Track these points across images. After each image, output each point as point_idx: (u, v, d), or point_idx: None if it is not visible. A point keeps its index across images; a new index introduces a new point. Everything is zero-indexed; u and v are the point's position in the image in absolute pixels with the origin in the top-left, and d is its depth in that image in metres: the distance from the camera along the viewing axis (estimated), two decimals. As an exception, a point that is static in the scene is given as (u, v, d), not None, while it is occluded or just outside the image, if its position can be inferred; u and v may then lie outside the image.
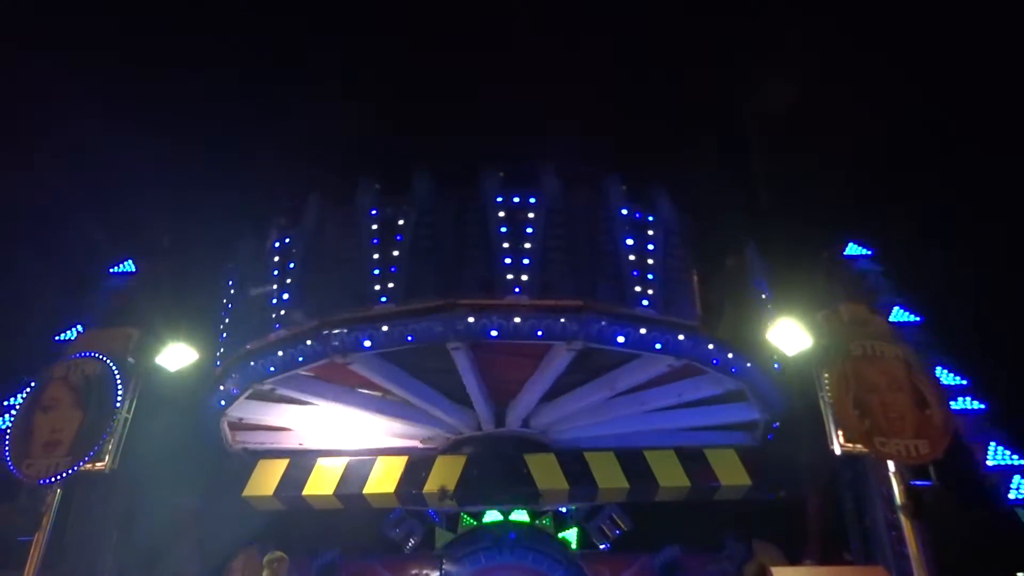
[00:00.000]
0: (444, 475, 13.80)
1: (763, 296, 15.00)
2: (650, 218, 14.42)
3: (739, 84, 23.69)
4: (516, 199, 14.09)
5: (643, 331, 13.27)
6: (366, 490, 13.72)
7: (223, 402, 14.72)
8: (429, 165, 14.74)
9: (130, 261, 16.09)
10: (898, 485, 11.01)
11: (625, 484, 13.89)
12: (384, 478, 13.97)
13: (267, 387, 14.39)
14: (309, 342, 13.51)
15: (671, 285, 14.08)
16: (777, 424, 14.93)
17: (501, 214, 13.92)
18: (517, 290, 13.25)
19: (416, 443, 15.55)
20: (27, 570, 10.53)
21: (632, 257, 13.95)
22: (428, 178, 14.43)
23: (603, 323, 13.14)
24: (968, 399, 13.69)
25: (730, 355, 14.04)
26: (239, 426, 15.44)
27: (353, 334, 13.25)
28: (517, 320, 12.94)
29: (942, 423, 11.42)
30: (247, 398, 14.67)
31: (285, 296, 14.26)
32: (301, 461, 14.64)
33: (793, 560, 14.33)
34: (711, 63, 24.88)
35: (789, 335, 12.52)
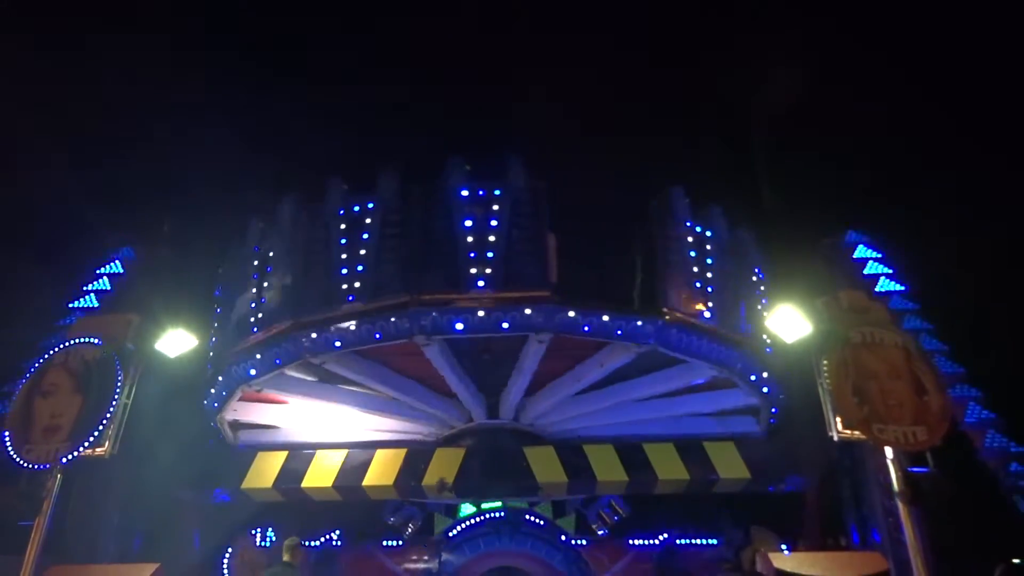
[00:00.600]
0: (443, 468, 13.83)
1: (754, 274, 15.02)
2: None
3: (742, 76, 23.61)
4: (481, 192, 13.98)
5: (606, 318, 13.14)
6: (365, 482, 13.76)
7: (216, 404, 14.90)
8: (400, 160, 14.74)
9: (129, 247, 16.07)
10: (896, 472, 11.00)
11: (624, 477, 13.91)
12: (383, 470, 14.00)
13: (254, 389, 14.52)
14: (283, 344, 13.62)
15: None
16: (776, 409, 14.93)
17: (466, 208, 13.81)
18: (481, 284, 13.18)
19: (416, 435, 15.58)
20: (28, 554, 10.55)
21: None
22: (393, 176, 14.37)
23: (570, 314, 13.02)
24: (966, 387, 13.77)
25: (702, 340, 13.86)
26: (237, 424, 15.48)
27: (323, 334, 13.30)
28: (480, 314, 12.91)
29: (940, 410, 11.42)
30: (239, 399, 14.82)
31: (263, 299, 14.42)
32: (300, 453, 14.69)
33: (790, 546, 14.45)
34: (714, 54, 24.79)
35: (788, 321, 12.53)
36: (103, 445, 11.61)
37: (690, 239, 14.23)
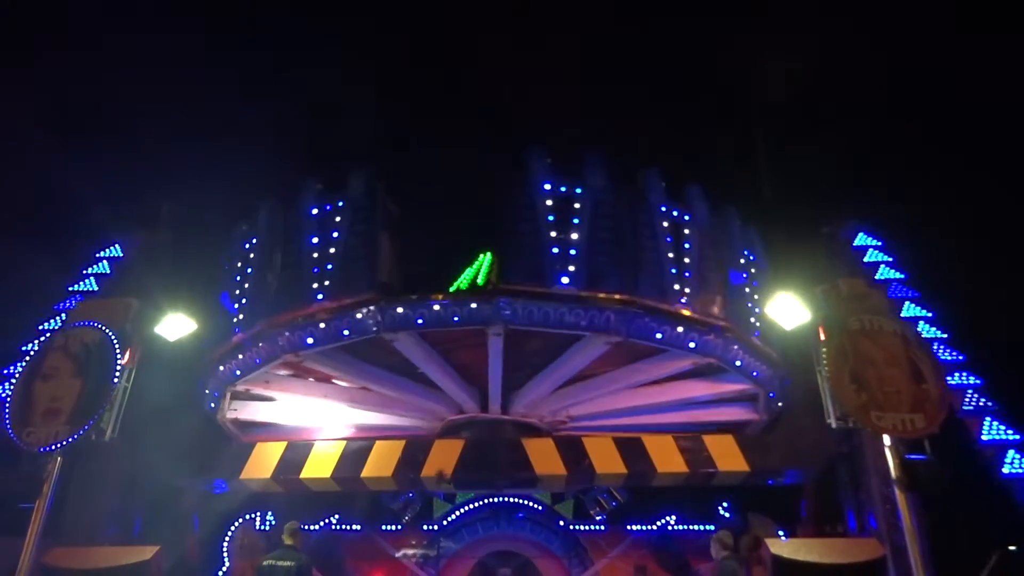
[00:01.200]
0: (442, 459, 13.77)
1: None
2: None
3: (740, 62, 23.47)
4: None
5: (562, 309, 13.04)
6: (364, 474, 13.73)
7: (212, 404, 15.04)
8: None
9: (129, 231, 16.05)
10: (893, 459, 11.07)
11: (623, 469, 13.90)
12: (382, 462, 13.93)
13: (241, 388, 14.68)
14: (261, 344, 13.74)
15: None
16: (773, 394, 14.94)
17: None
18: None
19: (414, 427, 15.61)
20: (29, 536, 10.64)
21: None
22: (363, 175, 14.34)
23: (518, 304, 12.89)
24: (965, 375, 13.77)
25: (674, 328, 13.75)
26: (237, 423, 15.53)
27: (296, 333, 13.38)
28: (436, 308, 12.91)
29: (938, 398, 11.47)
30: (232, 398, 14.96)
31: (244, 300, 14.53)
32: (298, 444, 14.69)
33: (787, 532, 14.50)
34: (710, 44, 24.61)
35: (788, 309, 12.53)
36: (103, 428, 11.67)
37: (665, 224, 14.10)
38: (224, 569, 15.43)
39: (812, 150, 20.00)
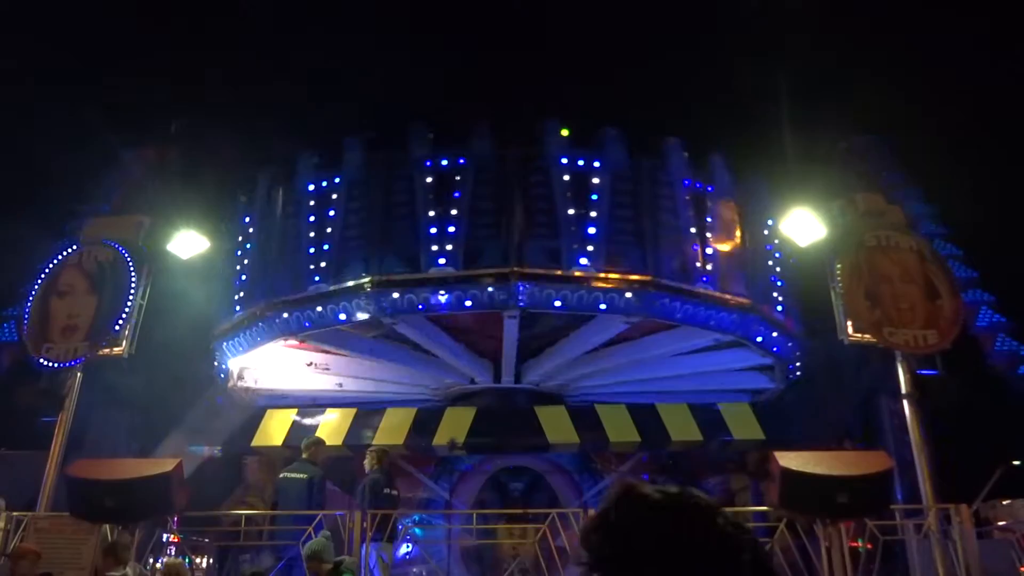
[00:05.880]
0: (454, 427, 13.82)
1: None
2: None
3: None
4: (444, 161, 13.74)
5: (580, 291, 12.99)
6: (375, 441, 13.65)
7: (222, 375, 15.23)
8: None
9: (138, 149, 15.89)
10: (904, 374, 11.11)
11: (637, 438, 13.92)
12: (393, 429, 14.01)
13: (247, 362, 14.86)
14: (260, 324, 13.79)
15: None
16: (793, 367, 14.94)
17: (428, 180, 13.56)
18: (442, 262, 13.04)
19: (426, 395, 15.64)
20: (53, 448, 10.85)
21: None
22: (358, 146, 14.07)
23: (532, 287, 12.81)
24: (979, 291, 13.71)
25: (698, 307, 13.58)
26: (248, 390, 15.66)
27: (294, 315, 13.41)
28: (442, 294, 12.79)
29: (952, 314, 11.45)
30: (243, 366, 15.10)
31: (244, 277, 14.56)
32: (310, 411, 14.79)
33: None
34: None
35: (803, 225, 12.39)
36: (120, 344, 11.78)
37: (687, 198, 13.89)
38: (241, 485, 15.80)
39: (830, 64, 19.52)
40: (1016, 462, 11.95)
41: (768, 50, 20.17)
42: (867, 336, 11.46)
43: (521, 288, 12.63)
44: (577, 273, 12.94)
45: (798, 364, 15.16)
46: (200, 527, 12.42)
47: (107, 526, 9.09)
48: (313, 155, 14.45)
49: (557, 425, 13.96)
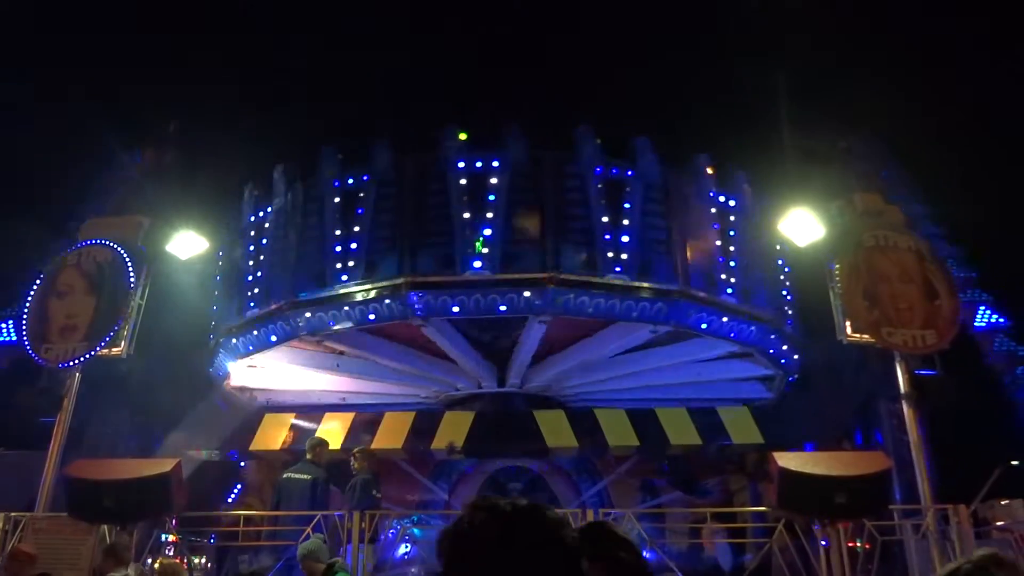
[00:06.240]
0: (452, 431, 13.75)
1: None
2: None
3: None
4: (478, 164, 13.61)
5: (614, 299, 13.04)
6: (374, 445, 13.57)
7: (221, 372, 15.09)
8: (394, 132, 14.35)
9: (137, 149, 15.89)
10: (903, 374, 11.09)
11: (635, 442, 13.89)
12: (392, 433, 13.95)
13: (250, 361, 14.68)
14: (278, 323, 13.66)
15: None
16: (792, 379, 14.98)
17: (463, 182, 13.44)
18: (477, 265, 12.97)
19: (424, 399, 15.62)
20: (52, 448, 10.84)
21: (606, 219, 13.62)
22: (388, 147, 13.94)
23: (570, 294, 12.86)
24: (977, 291, 13.71)
25: (723, 319, 13.71)
26: (245, 390, 15.65)
27: (318, 315, 13.29)
28: (478, 296, 12.76)
29: (951, 314, 11.44)
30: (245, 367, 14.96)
31: (259, 273, 14.33)
32: (308, 415, 14.68)
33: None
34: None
35: (802, 225, 12.38)
36: (119, 345, 11.77)
37: (713, 211, 14.04)
38: (241, 484, 15.78)
39: (830, 65, 19.52)
40: (1014, 462, 11.97)
41: (768, 50, 20.20)
42: (865, 336, 11.44)
43: (555, 294, 12.65)
44: (614, 281, 13.01)
45: (796, 375, 15.23)
46: (199, 527, 12.40)
47: (105, 526, 9.06)
48: (337, 151, 14.31)
49: (556, 429, 13.93)
